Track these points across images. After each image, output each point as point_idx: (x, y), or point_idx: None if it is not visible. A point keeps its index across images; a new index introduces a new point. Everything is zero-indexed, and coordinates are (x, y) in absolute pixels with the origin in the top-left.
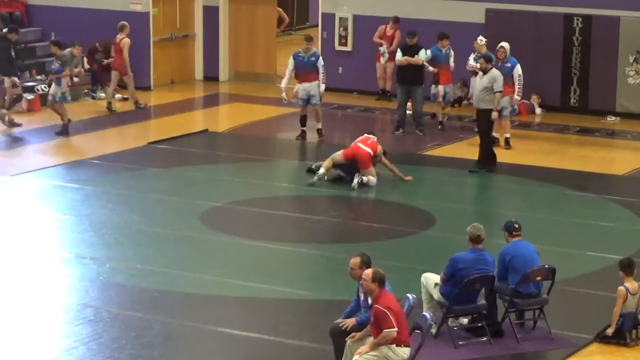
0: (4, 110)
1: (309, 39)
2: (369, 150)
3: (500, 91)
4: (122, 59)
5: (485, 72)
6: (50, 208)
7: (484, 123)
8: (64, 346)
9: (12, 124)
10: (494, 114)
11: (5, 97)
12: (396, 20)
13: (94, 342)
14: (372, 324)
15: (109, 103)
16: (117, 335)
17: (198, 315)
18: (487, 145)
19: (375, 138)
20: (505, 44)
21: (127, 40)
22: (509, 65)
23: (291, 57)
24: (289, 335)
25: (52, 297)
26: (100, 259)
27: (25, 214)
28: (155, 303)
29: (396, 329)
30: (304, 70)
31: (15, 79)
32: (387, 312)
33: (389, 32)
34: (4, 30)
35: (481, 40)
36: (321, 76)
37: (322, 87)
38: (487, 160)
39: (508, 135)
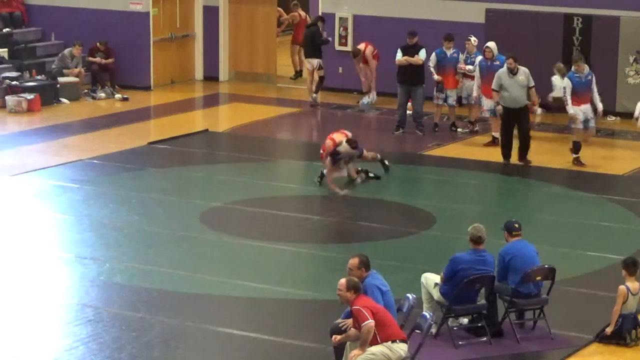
0: (313, 94)
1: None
2: (328, 142)
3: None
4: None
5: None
6: (50, 208)
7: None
8: (64, 346)
9: (315, 103)
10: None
11: (311, 81)
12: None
13: (94, 342)
14: (354, 326)
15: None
16: (117, 335)
17: (198, 315)
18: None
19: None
20: (490, 44)
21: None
22: (498, 63)
23: (568, 80)
24: (289, 335)
25: (52, 297)
26: (100, 259)
27: (25, 214)
28: (155, 303)
29: (371, 320)
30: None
31: (320, 61)
32: (361, 309)
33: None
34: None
35: (474, 40)
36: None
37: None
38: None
39: None
